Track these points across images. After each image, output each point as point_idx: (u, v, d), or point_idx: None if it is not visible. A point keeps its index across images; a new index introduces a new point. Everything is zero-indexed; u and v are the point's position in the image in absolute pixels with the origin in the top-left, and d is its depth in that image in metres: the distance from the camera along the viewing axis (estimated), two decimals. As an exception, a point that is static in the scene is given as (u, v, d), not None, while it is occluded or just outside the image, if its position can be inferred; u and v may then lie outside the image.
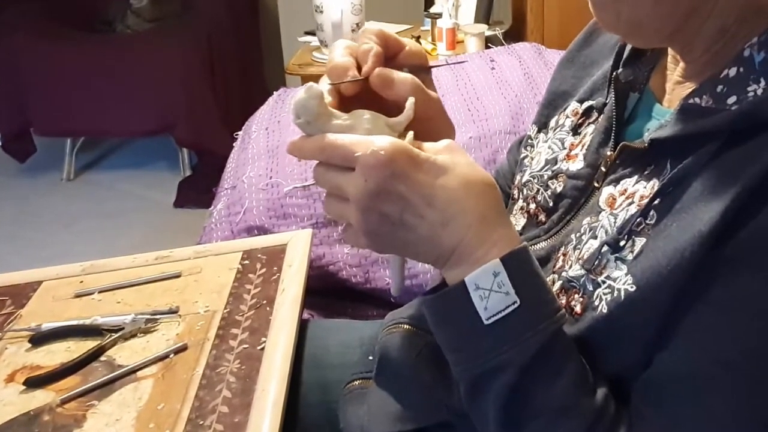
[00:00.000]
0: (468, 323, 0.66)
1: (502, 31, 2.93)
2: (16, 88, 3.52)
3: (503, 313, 0.64)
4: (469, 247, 0.66)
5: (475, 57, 2.04)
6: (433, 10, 3.05)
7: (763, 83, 0.64)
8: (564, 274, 0.73)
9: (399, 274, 0.79)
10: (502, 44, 2.54)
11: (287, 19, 3.71)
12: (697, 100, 0.68)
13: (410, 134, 0.69)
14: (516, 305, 0.64)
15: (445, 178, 0.66)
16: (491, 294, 0.64)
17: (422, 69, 0.77)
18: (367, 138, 0.66)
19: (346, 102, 0.73)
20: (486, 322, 0.65)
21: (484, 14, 2.95)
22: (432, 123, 0.75)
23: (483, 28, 2.80)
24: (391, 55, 0.76)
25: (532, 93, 1.74)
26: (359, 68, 0.73)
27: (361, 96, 0.73)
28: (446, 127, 0.79)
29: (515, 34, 2.99)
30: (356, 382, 0.93)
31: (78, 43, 3.58)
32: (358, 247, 0.71)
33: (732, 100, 0.66)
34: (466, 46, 2.76)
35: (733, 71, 0.67)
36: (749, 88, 0.65)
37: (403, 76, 0.73)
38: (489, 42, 2.81)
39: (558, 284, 0.74)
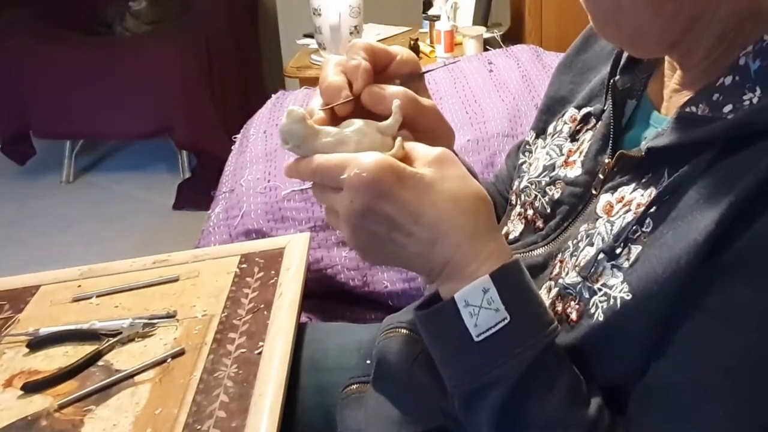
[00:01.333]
0: (459, 340, 0.65)
1: (501, 33, 2.93)
2: (15, 91, 3.52)
3: (493, 330, 0.64)
4: (459, 264, 0.66)
5: (473, 59, 2.04)
6: (431, 12, 3.05)
7: (758, 91, 0.64)
8: (560, 281, 0.73)
9: None
10: (500, 46, 2.53)
11: (286, 22, 3.71)
12: (694, 108, 0.68)
13: (399, 139, 0.69)
14: (506, 321, 0.64)
15: (432, 195, 0.65)
16: (481, 311, 0.64)
17: (414, 77, 0.77)
18: (353, 157, 0.65)
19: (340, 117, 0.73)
20: (476, 339, 0.64)
21: (482, 16, 2.95)
22: (429, 134, 0.74)
23: (481, 30, 2.80)
24: (381, 67, 0.76)
25: (530, 96, 1.73)
26: (351, 84, 0.73)
27: (354, 111, 0.73)
28: (445, 134, 0.79)
29: (513, 36, 2.99)
30: (354, 386, 0.93)
31: (77, 46, 3.58)
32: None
33: (728, 108, 0.66)
34: (464, 49, 2.76)
35: (728, 79, 0.67)
36: (745, 97, 0.65)
37: (394, 91, 0.73)
38: (487, 44, 2.81)
39: (554, 291, 0.74)
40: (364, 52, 0.74)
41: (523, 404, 0.65)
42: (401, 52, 0.78)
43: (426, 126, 0.74)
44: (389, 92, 0.73)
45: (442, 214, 0.65)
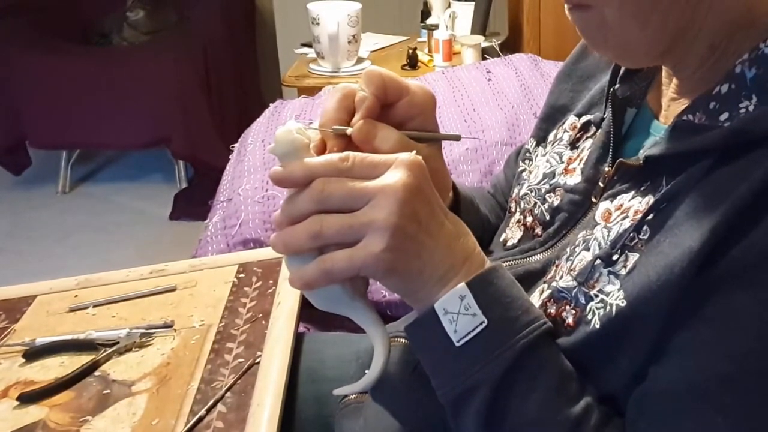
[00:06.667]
0: (442, 347, 0.67)
1: (499, 42, 2.93)
2: (11, 101, 3.51)
3: (472, 334, 0.66)
4: (481, 255, 0.70)
5: (472, 68, 2.04)
6: (429, 21, 3.06)
7: (754, 99, 0.65)
8: (554, 284, 0.74)
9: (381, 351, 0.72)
10: (499, 55, 2.54)
11: (284, 31, 3.72)
12: (691, 116, 0.69)
13: None
14: (484, 325, 0.66)
15: None
16: (459, 317, 0.66)
17: (426, 141, 0.77)
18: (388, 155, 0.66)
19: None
20: (457, 345, 0.66)
21: (480, 25, 2.96)
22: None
23: (479, 39, 2.81)
24: (391, 101, 0.75)
25: (528, 104, 1.73)
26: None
27: (350, 145, 0.72)
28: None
29: (512, 45, 3.00)
30: (352, 397, 0.92)
31: (74, 56, 3.58)
32: (356, 267, 0.65)
33: (724, 116, 0.66)
34: (462, 58, 2.77)
35: (725, 88, 0.67)
36: (741, 105, 0.65)
37: (387, 133, 0.72)
38: (485, 53, 2.81)
39: (546, 293, 0.74)
40: (373, 84, 0.73)
41: (506, 405, 0.66)
42: (414, 88, 0.76)
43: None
44: (381, 133, 0.72)
45: (458, 219, 0.71)
